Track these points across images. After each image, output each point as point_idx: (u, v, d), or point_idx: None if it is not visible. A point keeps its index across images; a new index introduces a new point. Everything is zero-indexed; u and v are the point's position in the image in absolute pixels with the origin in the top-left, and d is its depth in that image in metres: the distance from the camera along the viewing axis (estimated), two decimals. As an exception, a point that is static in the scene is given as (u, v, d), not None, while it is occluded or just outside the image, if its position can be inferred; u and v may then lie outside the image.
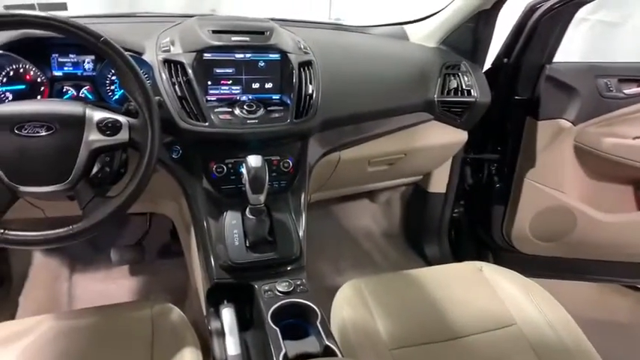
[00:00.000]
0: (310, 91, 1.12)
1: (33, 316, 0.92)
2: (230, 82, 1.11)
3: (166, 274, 1.63)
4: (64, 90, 1.09)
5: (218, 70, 1.09)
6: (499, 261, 1.84)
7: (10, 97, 1.05)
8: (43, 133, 0.78)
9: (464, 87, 1.37)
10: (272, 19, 1.60)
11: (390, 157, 1.42)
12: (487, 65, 1.59)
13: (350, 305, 1.01)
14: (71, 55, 1.08)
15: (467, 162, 1.75)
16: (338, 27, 1.65)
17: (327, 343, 0.80)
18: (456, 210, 1.86)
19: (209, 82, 1.08)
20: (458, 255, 1.88)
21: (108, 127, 0.81)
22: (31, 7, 1.32)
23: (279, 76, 1.13)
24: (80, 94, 1.10)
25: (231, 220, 1.02)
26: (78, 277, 1.60)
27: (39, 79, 1.06)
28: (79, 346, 0.87)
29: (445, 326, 1.00)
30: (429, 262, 1.86)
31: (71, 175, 0.79)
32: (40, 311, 1.47)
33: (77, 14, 1.45)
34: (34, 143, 0.77)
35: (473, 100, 1.36)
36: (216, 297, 0.98)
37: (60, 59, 1.07)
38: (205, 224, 1.03)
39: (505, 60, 1.55)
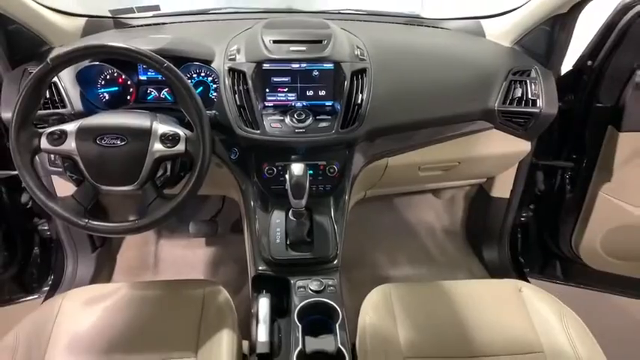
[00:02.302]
0: (360, 101, 1.16)
1: (117, 283, 1.14)
2: (286, 89, 1.19)
3: (235, 247, 1.82)
4: (148, 91, 1.27)
5: (275, 79, 1.18)
6: (565, 273, 1.75)
7: (107, 97, 1.26)
8: (119, 143, 0.94)
9: (529, 96, 1.30)
10: (342, 12, 1.65)
11: (442, 164, 1.41)
12: (567, 67, 1.47)
13: (375, 310, 1.08)
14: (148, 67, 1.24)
15: (538, 167, 1.66)
16: (412, 21, 1.62)
17: (339, 345, 0.89)
18: (524, 214, 1.78)
19: (267, 90, 1.18)
20: (521, 261, 1.82)
21: (168, 139, 0.96)
22: (131, 10, 1.51)
23: (331, 85, 1.19)
24: (161, 96, 1.27)
25: (276, 218, 1.14)
26: (163, 242, 1.87)
27: (128, 82, 1.25)
28: (142, 314, 1.07)
29: (467, 343, 1.02)
30: (486, 265, 1.82)
31: (139, 178, 0.96)
32: (132, 269, 1.78)
33: (168, 12, 1.63)
34: (111, 151, 0.94)
35: (537, 111, 1.28)
36: (258, 285, 1.12)
37: (144, 66, 1.24)
38: (254, 219, 1.16)
39: (589, 62, 1.41)
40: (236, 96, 1.14)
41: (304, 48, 1.17)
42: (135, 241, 1.82)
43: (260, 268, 1.11)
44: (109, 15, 1.51)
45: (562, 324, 1.04)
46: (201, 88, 1.26)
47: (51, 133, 0.94)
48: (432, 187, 1.71)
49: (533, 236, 1.80)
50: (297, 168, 1.02)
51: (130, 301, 1.09)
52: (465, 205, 1.93)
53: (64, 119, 1.07)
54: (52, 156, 1.14)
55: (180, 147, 0.96)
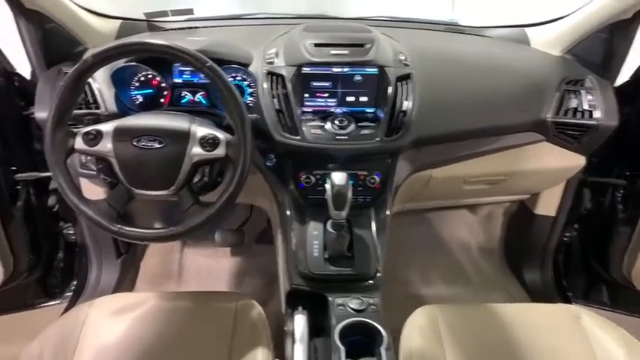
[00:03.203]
0: (405, 108, 1.09)
1: (144, 292, 1.09)
2: (326, 94, 1.14)
3: (262, 258, 1.76)
4: (183, 95, 1.23)
5: (315, 83, 1.13)
6: (614, 298, 1.63)
7: (140, 99, 1.22)
8: (156, 146, 0.89)
9: (585, 107, 1.21)
10: (379, 19, 1.60)
11: (489, 177, 1.33)
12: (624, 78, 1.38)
13: (421, 334, 1.00)
14: (190, 65, 1.20)
15: (586, 184, 1.56)
16: (452, 28, 1.56)
17: None
18: (567, 234, 1.68)
19: (306, 95, 1.13)
20: (564, 284, 1.71)
21: (208, 143, 0.91)
22: (165, 13, 1.49)
23: (374, 90, 1.13)
24: (196, 99, 1.23)
25: (314, 230, 1.07)
26: (188, 251, 1.82)
27: (163, 85, 1.21)
28: (171, 326, 1.01)
29: (522, 373, 0.93)
30: (526, 287, 1.72)
31: (175, 183, 0.90)
32: (156, 277, 1.73)
33: (202, 16, 1.60)
34: (148, 154, 0.89)
35: (594, 123, 1.20)
36: (293, 300, 1.05)
37: (180, 68, 1.20)
38: (290, 230, 1.09)
39: None
40: (275, 100, 1.08)
41: (346, 52, 1.12)
42: (159, 249, 1.78)
43: (295, 282, 1.04)
44: (143, 18, 1.49)
45: (630, 358, 0.94)
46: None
47: (86, 133, 0.90)
48: (470, 202, 1.62)
49: (576, 258, 1.69)
50: (338, 177, 0.96)
51: (158, 313, 1.03)
52: (503, 222, 1.84)
53: (99, 119, 1.03)
54: (84, 158, 1.11)
55: (220, 151, 0.91)
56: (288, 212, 1.11)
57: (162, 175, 0.91)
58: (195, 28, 1.49)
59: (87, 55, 0.86)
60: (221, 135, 0.92)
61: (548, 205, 1.58)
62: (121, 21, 1.42)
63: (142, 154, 0.90)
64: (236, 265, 1.75)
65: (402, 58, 1.16)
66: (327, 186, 0.98)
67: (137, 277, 1.68)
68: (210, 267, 1.73)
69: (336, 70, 1.12)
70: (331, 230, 1.02)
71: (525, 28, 1.50)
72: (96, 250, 1.50)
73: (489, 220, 1.86)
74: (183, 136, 0.91)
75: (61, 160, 0.89)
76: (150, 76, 1.21)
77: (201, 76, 1.20)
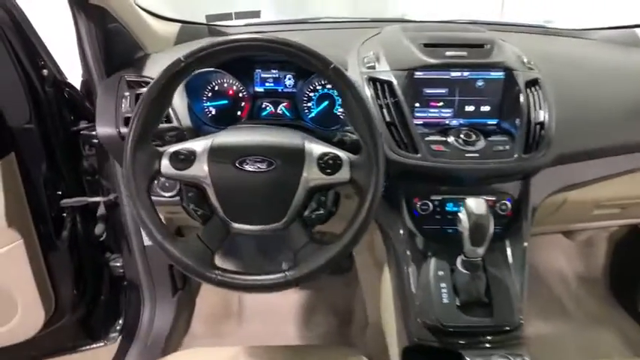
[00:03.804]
0: (541, 118, 0.91)
1: (227, 347, 0.88)
2: (440, 104, 0.95)
3: (332, 292, 1.56)
4: (263, 106, 1.05)
5: (428, 91, 0.94)
6: None
7: (213, 112, 1.05)
8: (264, 169, 0.70)
9: None
10: (463, 22, 1.42)
11: (624, 201, 1.12)
12: None
13: None
14: (273, 71, 1.03)
15: None
16: (546, 31, 1.38)
17: None
18: None
19: (416, 104, 0.95)
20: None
21: (328, 165, 0.72)
22: (229, 16, 1.32)
23: (499, 98, 0.95)
24: (278, 111, 1.05)
25: (438, 270, 0.87)
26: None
27: (240, 95, 1.03)
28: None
29: None
30: (640, 321, 1.49)
31: (287, 215, 0.71)
32: (214, 316, 1.52)
33: (265, 21, 1.44)
34: (254, 179, 0.71)
35: None
36: (415, 358, 0.84)
37: (263, 75, 1.03)
38: (405, 269, 0.89)
39: None
40: (384, 110, 0.90)
41: (464, 53, 0.94)
42: None
43: (419, 336, 0.84)
44: (204, 21, 1.32)
45: None
46: (325, 102, 1.04)
47: (175, 154, 0.71)
48: (579, 228, 1.41)
49: None
50: (476, 204, 0.77)
51: None
52: (608, 247, 1.61)
53: (183, 136, 0.85)
54: (166, 183, 0.92)
55: (343, 174, 0.72)
56: (401, 247, 0.91)
57: (271, 204, 0.72)
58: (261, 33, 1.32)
59: (182, 54, 0.68)
60: (342, 154, 0.73)
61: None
62: (180, 24, 1.25)
63: (245, 178, 0.71)
64: (303, 300, 1.54)
65: (525, 60, 0.98)
66: (462, 216, 0.78)
67: (192, 315, 1.48)
68: (274, 303, 1.51)
69: (454, 74, 0.93)
70: (463, 270, 0.83)
71: (637, 30, 1.32)
72: (149, 285, 1.30)
73: (589, 247, 1.64)
74: (298, 156, 0.72)
75: (144, 187, 0.70)
76: (225, 85, 1.03)
77: (286, 84, 1.04)
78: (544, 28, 1.39)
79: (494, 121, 0.96)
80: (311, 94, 1.03)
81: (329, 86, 1.02)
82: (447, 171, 0.87)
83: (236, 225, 0.72)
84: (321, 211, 0.73)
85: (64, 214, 1.21)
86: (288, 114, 1.05)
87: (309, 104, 1.04)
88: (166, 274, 1.31)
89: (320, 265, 0.70)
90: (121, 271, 1.37)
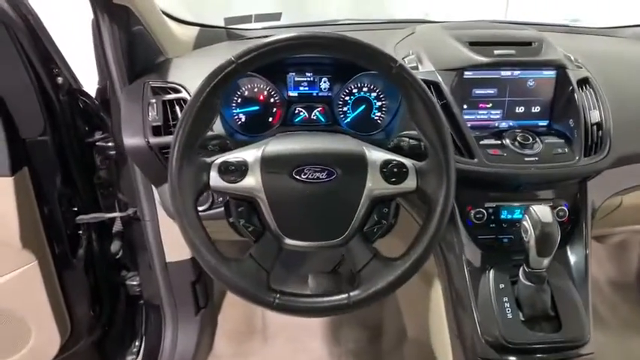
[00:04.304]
0: (597, 119, 0.86)
1: None
2: (490, 105, 0.90)
3: (333, 288, 1.48)
4: (296, 112, 0.98)
5: (477, 91, 0.89)
6: None
7: (243, 119, 0.98)
8: (323, 179, 0.64)
9: None
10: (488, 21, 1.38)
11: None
12: None
13: None
14: (307, 74, 0.96)
15: None
16: (575, 30, 1.34)
17: None
18: None
19: (464, 106, 0.89)
20: None
21: (393, 173, 0.65)
22: (248, 18, 1.26)
23: (550, 99, 0.90)
24: (312, 117, 0.99)
25: (498, 282, 0.81)
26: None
27: (272, 100, 0.97)
28: None
29: None
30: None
31: (347, 229, 0.65)
32: (237, 333, 1.44)
33: (286, 23, 1.38)
34: (312, 190, 0.64)
35: None
36: None
37: (296, 78, 0.96)
38: (462, 283, 0.83)
39: None
40: None
41: (513, 51, 0.88)
42: (239, 299, 1.48)
43: (483, 355, 0.78)
44: (223, 25, 1.26)
45: None
46: (362, 107, 0.98)
47: (225, 165, 0.65)
48: (609, 232, 1.36)
49: None
50: (541, 212, 0.72)
51: None
52: None
53: (226, 145, 0.78)
54: (213, 197, 0.85)
55: (410, 183, 0.66)
56: (455, 259, 0.85)
57: (330, 218, 0.65)
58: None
59: (232, 55, 0.61)
60: (407, 161, 0.67)
61: None
62: (199, 28, 1.19)
63: (302, 190, 0.64)
64: (333, 318, 1.46)
65: (573, 58, 0.93)
66: (526, 224, 0.73)
67: (215, 334, 1.40)
68: (299, 319, 1.43)
69: (504, 73, 0.88)
70: (527, 283, 0.77)
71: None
72: (171, 305, 1.22)
73: (622, 250, 1.60)
74: (360, 164, 0.66)
75: (191, 203, 0.63)
76: (256, 90, 0.96)
77: (321, 87, 0.97)
78: (573, 27, 1.36)
79: (544, 123, 0.91)
80: (347, 98, 0.97)
81: (365, 89, 0.96)
82: (505, 177, 0.82)
83: (290, 241, 0.66)
84: (383, 224, 0.67)
85: (80, 232, 1.14)
86: (323, 119, 0.99)
87: (345, 109, 0.98)
88: (189, 292, 1.23)
89: (387, 285, 0.63)
90: (138, 290, 1.29)
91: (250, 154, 0.66)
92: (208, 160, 0.65)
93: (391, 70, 0.62)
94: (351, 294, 0.63)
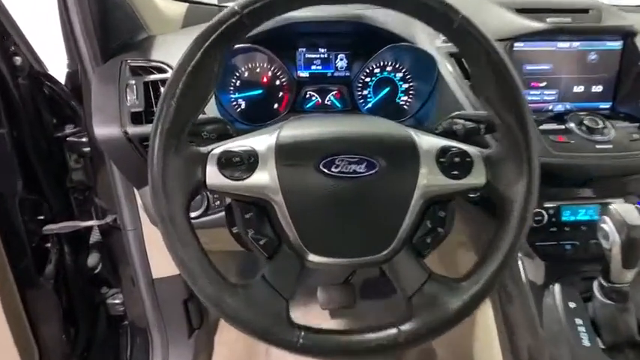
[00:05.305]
0: None
1: None
2: (543, 84, 0.75)
3: (376, 318, 1.32)
4: (307, 96, 0.82)
5: (529, 67, 0.74)
6: None
7: (243, 106, 0.81)
8: (362, 172, 0.48)
9: None
10: None
11: None
12: None
13: None
14: (321, 50, 0.80)
15: None
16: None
17: None
18: None
19: (514, 85, 0.73)
20: None
21: (453, 164, 0.49)
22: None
23: (614, 76, 0.75)
24: (326, 102, 0.82)
25: (567, 301, 0.66)
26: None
27: (278, 82, 0.80)
28: None
29: None
30: None
31: (394, 240, 0.48)
32: (236, 355, 1.26)
33: None
34: (346, 188, 0.48)
35: None
36: None
37: (308, 55, 0.80)
38: (521, 301, 0.67)
39: None
40: None
41: (569, 19, 0.73)
42: None
43: None
44: (215, 2, 1.10)
45: None
46: (386, 89, 0.82)
47: (226, 155, 0.48)
48: None
49: None
50: (627, 212, 0.56)
51: None
52: None
53: (226, 130, 0.60)
54: (208, 198, 0.68)
55: (477, 176, 0.49)
56: (511, 272, 0.70)
57: (370, 225, 0.49)
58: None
59: (235, 4, 0.44)
60: (471, 148, 0.51)
61: None
62: (187, 4, 1.02)
63: (334, 188, 0.48)
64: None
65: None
66: (607, 227, 0.57)
67: (211, 358, 1.21)
68: None
69: (561, 45, 0.73)
70: (606, 301, 0.61)
71: None
72: (159, 327, 1.05)
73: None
74: (409, 153, 0.49)
75: (181, 208, 0.46)
76: (258, 70, 0.80)
77: (338, 66, 0.81)
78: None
79: (607, 105, 0.76)
80: (367, 80, 0.82)
81: (389, 69, 0.81)
82: (574, 169, 0.66)
83: (315, 257, 0.49)
84: (438, 233, 0.51)
85: (48, 244, 0.96)
86: (339, 105, 0.83)
87: (365, 92, 0.82)
88: (180, 312, 1.05)
89: (451, 315, 0.47)
90: (121, 309, 1.12)
91: (261, 141, 0.49)
92: (203, 150, 0.48)
93: (452, 23, 0.46)
94: (403, 328, 0.47)
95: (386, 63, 0.80)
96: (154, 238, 0.94)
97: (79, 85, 0.90)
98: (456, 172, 0.49)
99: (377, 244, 0.49)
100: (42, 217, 0.94)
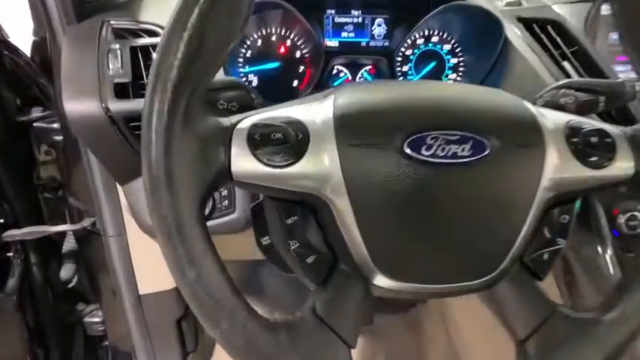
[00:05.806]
0: None
1: None
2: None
3: (394, 336, 1.18)
4: (335, 71, 0.67)
5: (616, 37, 0.60)
6: None
7: (255, 82, 0.66)
8: (467, 156, 0.32)
9: None
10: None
11: None
12: None
13: None
14: (354, 13, 0.65)
15: None
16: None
17: None
18: None
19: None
20: None
21: (591, 147, 0.34)
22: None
23: None
24: (358, 79, 0.67)
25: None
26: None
27: (298, 54, 0.65)
28: None
29: None
30: None
31: (506, 256, 0.33)
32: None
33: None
34: (442, 178, 0.32)
35: None
36: None
37: (337, 18, 0.64)
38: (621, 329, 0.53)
39: None
40: (552, 69, 0.54)
41: None
42: None
43: None
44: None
45: None
46: (432, 64, 0.67)
47: (260, 130, 0.32)
48: None
49: None
50: None
51: None
52: None
53: (251, 101, 0.43)
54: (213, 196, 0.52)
55: (624, 165, 0.35)
56: (598, 290, 0.55)
57: (475, 234, 0.33)
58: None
59: None
60: (611, 127, 0.36)
61: None
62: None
63: (424, 179, 0.32)
64: (359, 349, 1.14)
65: None
66: None
67: None
68: None
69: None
70: None
71: None
72: (147, 350, 0.88)
73: None
74: (532, 130, 0.34)
75: (193, 209, 0.30)
76: (274, 39, 0.64)
77: (374, 33, 0.66)
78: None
79: None
80: (407, 53, 0.67)
81: (435, 39, 0.66)
82: None
83: (385, 281, 0.33)
84: (560, 246, 0.36)
85: (10, 254, 0.78)
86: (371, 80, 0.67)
87: (405, 68, 0.67)
88: (172, 333, 0.89)
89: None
90: (101, 328, 0.95)
91: (309, 111, 0.33)
92: (225, 122, 0.32)
93: None
94: None
95: (431, 32, 0.66)
96: (140, 246, 0.77)
97: (48, 59, 0.73)
98: (594, 159, 0.34)
99: (480, 263, 0.34)
100: (1, 221, 0.76)
